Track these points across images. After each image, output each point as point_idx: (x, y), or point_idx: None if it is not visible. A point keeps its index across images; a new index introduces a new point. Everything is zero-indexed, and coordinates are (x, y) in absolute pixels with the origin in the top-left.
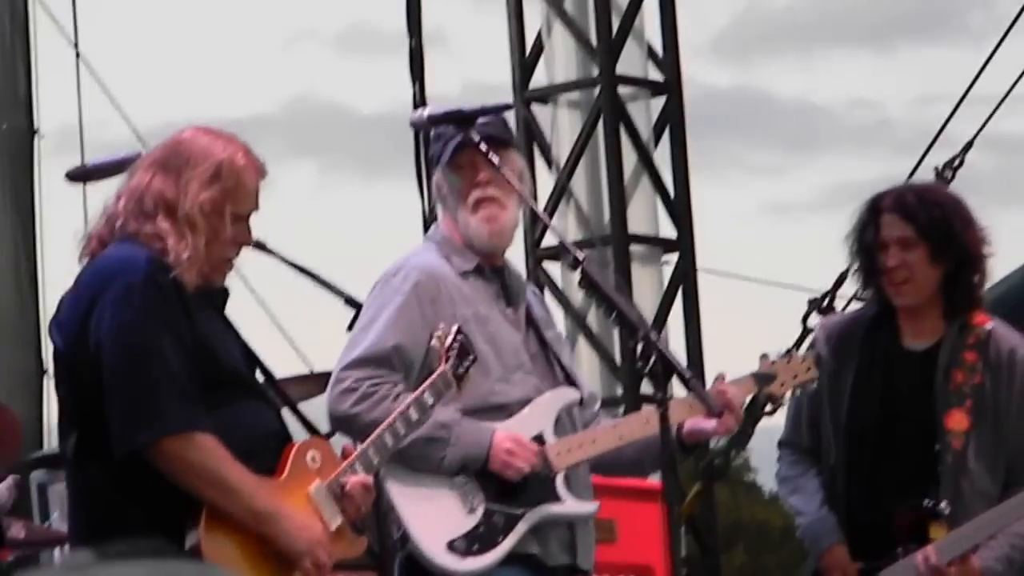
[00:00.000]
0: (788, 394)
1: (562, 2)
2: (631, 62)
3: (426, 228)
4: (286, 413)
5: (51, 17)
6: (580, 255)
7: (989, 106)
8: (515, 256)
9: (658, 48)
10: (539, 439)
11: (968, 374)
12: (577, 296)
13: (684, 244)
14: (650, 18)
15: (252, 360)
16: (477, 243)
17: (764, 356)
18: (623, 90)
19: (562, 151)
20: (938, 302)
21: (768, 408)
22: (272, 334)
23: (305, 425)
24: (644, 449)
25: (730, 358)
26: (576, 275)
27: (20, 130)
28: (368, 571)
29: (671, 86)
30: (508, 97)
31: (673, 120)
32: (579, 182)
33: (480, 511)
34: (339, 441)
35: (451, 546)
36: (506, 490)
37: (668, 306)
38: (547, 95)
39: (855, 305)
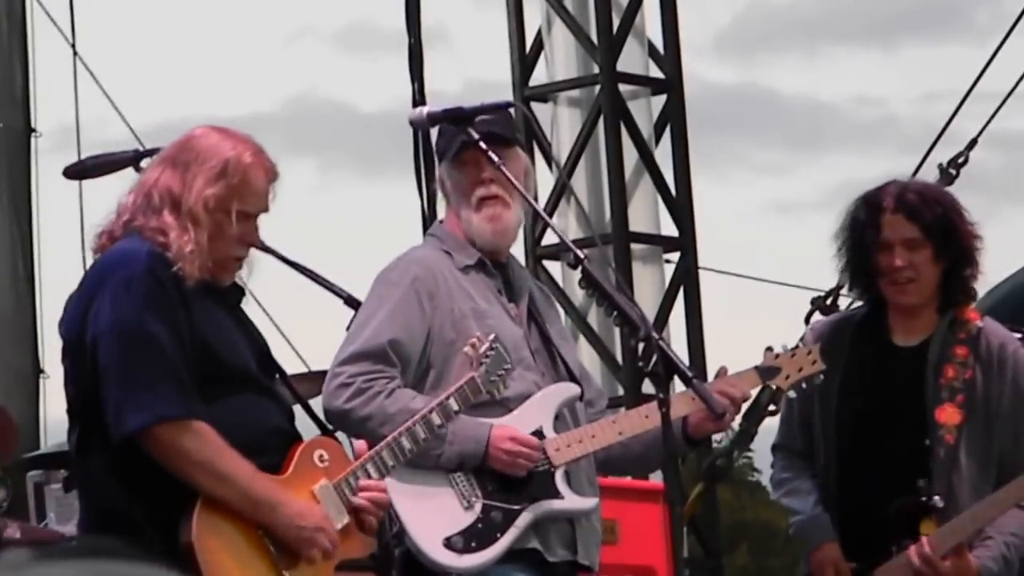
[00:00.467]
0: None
1: None
2: (632, 60)
3: (426, 227)
4: (299, 412)
5: (48, 16)
6: (581, 254)
7: (994, 103)
8: (515, 255)
9: (659, 45)
10: (538, 434)
11: (959, 369)
12: (578, 295)
13: (686, 242)
14: (651, 15)
15: (267, 359)
16: (480, 241)
17: (769, 349)
18: (624, 88)
19: (563, 149)
20: (934, 299)
21: (772, 408)
22: (271, 334)
23: (318, 424)
24: (651, 444)
25: (732, 358)
26: (577, 274)
27: (17, 129)
28: (368, 571)
29: (672, 84)
30: (508, 95)
31: (674, 118)
32: (580, 180)
33: (478, 507)
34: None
35: (448, 542)
36: (504, 486)
37: (670, 305)
38: (547, 93)
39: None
